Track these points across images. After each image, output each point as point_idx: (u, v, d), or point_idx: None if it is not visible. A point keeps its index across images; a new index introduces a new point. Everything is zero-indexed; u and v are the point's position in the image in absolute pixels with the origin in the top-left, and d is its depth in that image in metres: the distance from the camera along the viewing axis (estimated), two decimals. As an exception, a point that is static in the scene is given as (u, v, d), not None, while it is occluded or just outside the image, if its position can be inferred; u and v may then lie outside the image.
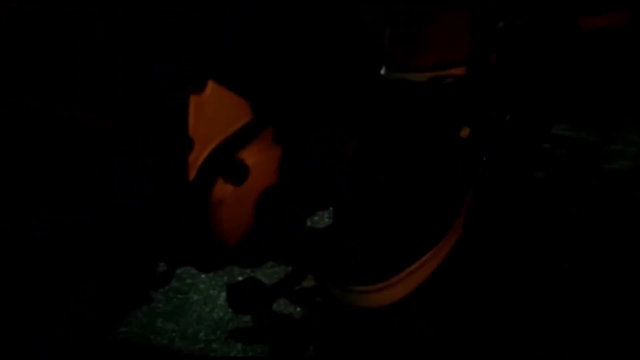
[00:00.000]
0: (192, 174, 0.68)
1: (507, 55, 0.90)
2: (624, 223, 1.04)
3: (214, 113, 0.69)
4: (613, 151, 1.21)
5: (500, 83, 0.91)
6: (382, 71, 0.83)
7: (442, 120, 0.78)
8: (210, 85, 0.68)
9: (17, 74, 0.64)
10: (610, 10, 0.92)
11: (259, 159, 0.70)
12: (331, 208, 0.88)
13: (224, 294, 0.99)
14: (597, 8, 0.92)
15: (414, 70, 0.79)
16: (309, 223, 0.96)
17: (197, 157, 0.68)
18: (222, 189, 0.68)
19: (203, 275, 1.02)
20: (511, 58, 0.91)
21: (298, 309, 0.94)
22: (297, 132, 0.75)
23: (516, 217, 1.03)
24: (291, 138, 0.74)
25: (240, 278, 1.01)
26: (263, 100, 0.72)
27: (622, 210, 1.06)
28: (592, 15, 0.93)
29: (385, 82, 0.81)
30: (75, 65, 0.65)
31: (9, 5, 0.63)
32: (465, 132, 0.79)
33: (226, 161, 0.69)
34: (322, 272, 0.73)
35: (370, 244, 0.73)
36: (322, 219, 1.06)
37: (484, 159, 0.85)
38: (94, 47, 0.65)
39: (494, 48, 0.88)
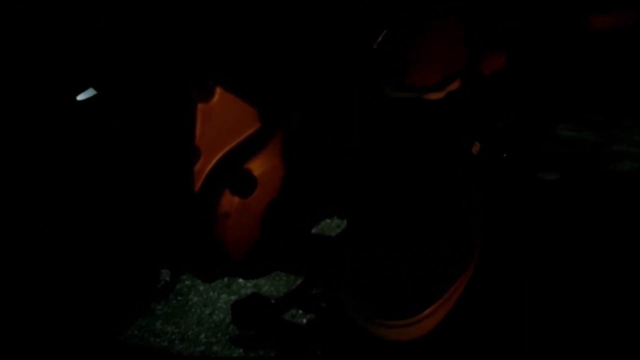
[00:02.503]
0: (198, 184, 0.67)
1: (512, 56, 0.89)
2: (625, 223, 1.03)
3: (222, 121, 0.67)
4: (616, 152, 1.20)
5: (505, 89, 0.90)
6: (389, 89, 0.80)
7: (456, 138, 0.75)
8: (218, 92, 0.66)
9: (17, 74, 0.63)
10: (617, 9, 0.91)
11: (266, 169, 0.69)
12: (336, 217, 0.87)
13: (224, 295, 0.98)
14: (603, 7, 0.91)
15: (421, 90, 0.76)
16: (314, 230, 0.95)
17: (204, 167, 0.67)
18: (229, 201, 0.67)
19: (202, 276, 1.01)
20: (516, 59, 0.89)
21: (300, 312, 0.93)
22: (304, 138, 0.73)
23: (520, 217, 1.02)
24: (298, 144, 0.72)
25: (240, 280, 1.00)
26: (271, 107, 0.70)
27: (624, 210, 1.06)
28: (598, 15, 0.91)
29: (394, 101, 0.78)
30: (77, 66, 0.64)
31: (9, 5, 0.61)
32: (476, 148, 0.77)
33: (233, 172, 0.67)
34: (351, 306, 0.69)
35: (400, 276, 0.70)
36: (329, 226, 1.05)
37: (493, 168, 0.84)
38: (97, 47, 0.64)
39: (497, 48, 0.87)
